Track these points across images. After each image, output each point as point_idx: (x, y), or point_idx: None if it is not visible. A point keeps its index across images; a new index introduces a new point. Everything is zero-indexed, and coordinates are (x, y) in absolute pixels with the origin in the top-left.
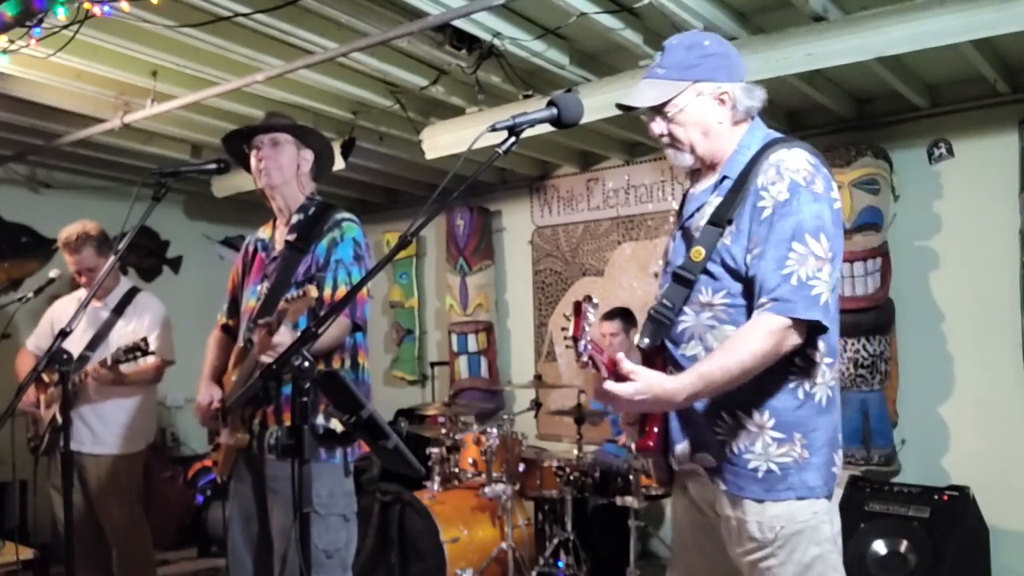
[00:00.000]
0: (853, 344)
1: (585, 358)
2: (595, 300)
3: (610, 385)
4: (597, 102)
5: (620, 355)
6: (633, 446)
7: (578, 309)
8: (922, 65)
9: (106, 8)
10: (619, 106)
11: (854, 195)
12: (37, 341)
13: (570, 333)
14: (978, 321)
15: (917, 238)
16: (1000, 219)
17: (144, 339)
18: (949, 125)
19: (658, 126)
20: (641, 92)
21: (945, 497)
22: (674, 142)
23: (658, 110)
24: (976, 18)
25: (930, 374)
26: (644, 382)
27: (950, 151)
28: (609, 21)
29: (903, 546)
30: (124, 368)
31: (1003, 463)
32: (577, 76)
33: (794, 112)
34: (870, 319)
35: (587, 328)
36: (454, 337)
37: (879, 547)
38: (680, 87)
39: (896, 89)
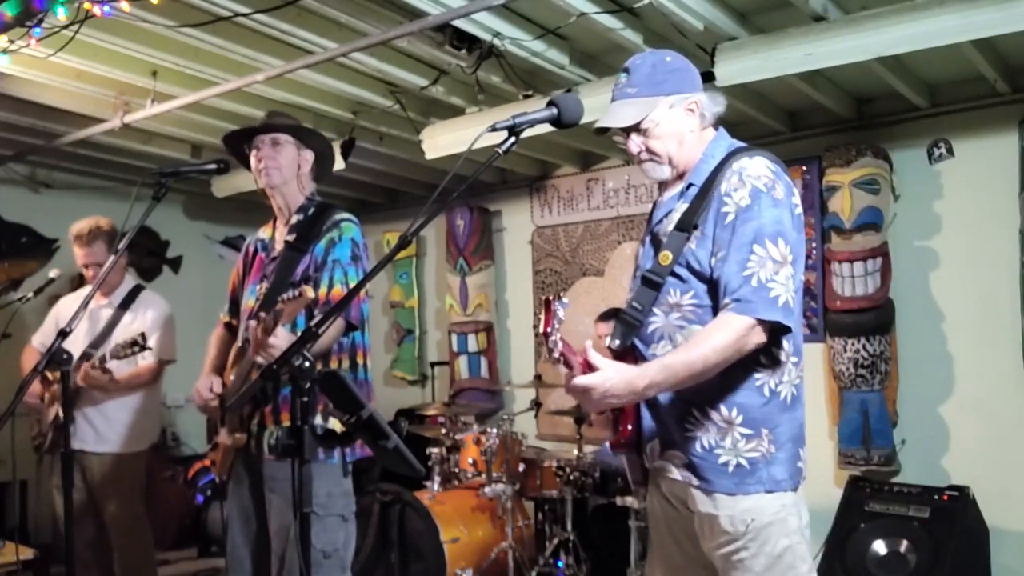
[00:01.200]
0: (853, 344)
1: (556, 354)
2: (565, 299)
3: (579, 379)
4: (597, 102)
5: (587, 344)
6: (608, 445)
7: (547, 306)
8: (922, 65)
9: (106, 8)
10: (597, 130)
11: (854, 195)
12: (43, 339)
13: (540, 329)
14: (978, 321)
15: (917, 238)
16: (1000, 219)
17: (142, 334)
18: (949, 125)
19: (635, 144)
20: (618, 113)
21: (945, 497)
22: (652, 156)
23: (635, 128)
24: (976, 18)
25: (930, 374)
26: (609, 371)
27: (950, 151)
28: (609, 21)
29: (903, 546)
30: (117, 372)
31: (1003, 463)
32: (577, 76)
33: (794, 112)
34: (870, 319)
35: (557, 325)
36: (454, 337)
37: (879, 547)
38: (654, 103)
39: (896, 89)
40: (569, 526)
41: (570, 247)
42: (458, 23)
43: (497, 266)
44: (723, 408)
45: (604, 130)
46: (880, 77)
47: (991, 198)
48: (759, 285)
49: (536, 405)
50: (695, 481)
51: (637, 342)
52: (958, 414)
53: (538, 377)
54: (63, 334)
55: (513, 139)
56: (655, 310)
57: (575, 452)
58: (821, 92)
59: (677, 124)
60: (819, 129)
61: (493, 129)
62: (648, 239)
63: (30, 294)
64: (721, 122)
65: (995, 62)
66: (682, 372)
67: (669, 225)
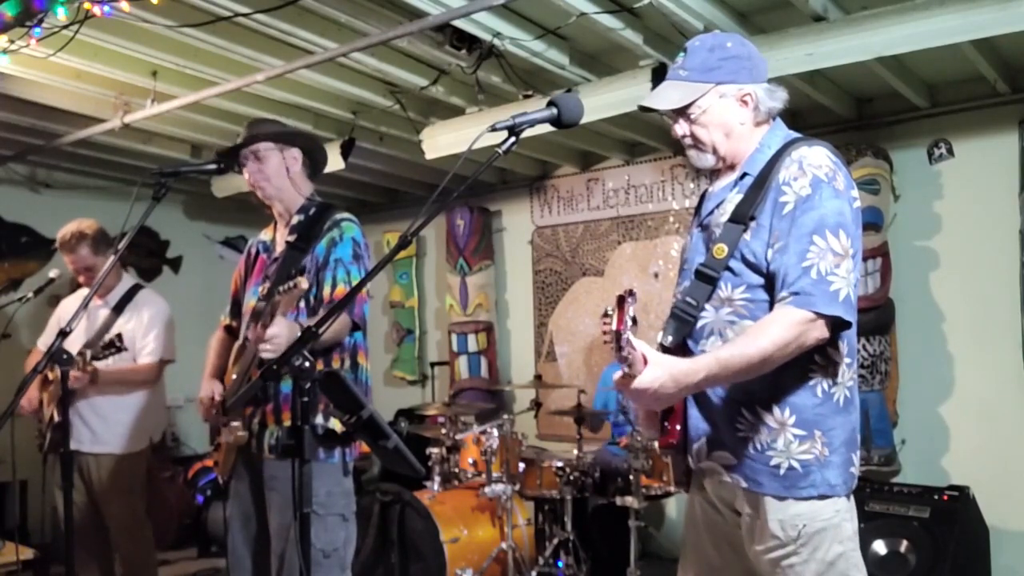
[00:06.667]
0: None
1: (625, 352)
2: (636, 292)
3: (637, 380)
4: (597, 102)
5: (638, 340)
6: (656, 444)
7: (621, 303)
8: (922, 65)
9: (106, 8)
10: (642, 108)
11: None
12: (46, 340)
13: (613, 327)
14: (978, 321)
15: (917, 238)
16: (1000, 219)
17: (118, 335)
18: (949, 125)
19: (681, 128)
20: (664, 94)
21: (945, 497)
22: (696, 143)
23: (681, 112)
24: (976, 18)
25: (930, 374)
26: (662, 366)
27: (950, 151)
28: (609, 21)
29: (903, 546)
30: (103, 370)
31: (1003, 463)
32: (577, 76)
33: (794, 112)
34: (870, 319)
35: (629, 322)
36: (454, 337)
37: (879, 547)
38: (703, 89)
39: (896, 89)
40: (569, 526)
41: (570, 247)
42: (458, 23)
43: (497, 266)
44: (775, 408)
45: (649, 109)
46: (880, 77)
47: (991, 198)
48: (819, 278)
49: (536, 405)
50: (743, 483)
51: (687, 338)
52: (958, 414)
53: (538, 377)
54: (63, 334)
55: (513, 139)
56: (706, 305)
57: (575, 452)
58: (821, 92)
59: (726, 115)
60: (819, 129)
61: (493, 129)
62: (697, 231)
63: (30, 294)
64: None
65: (995, 62)
66: (737, 366)
67: (722, 216)
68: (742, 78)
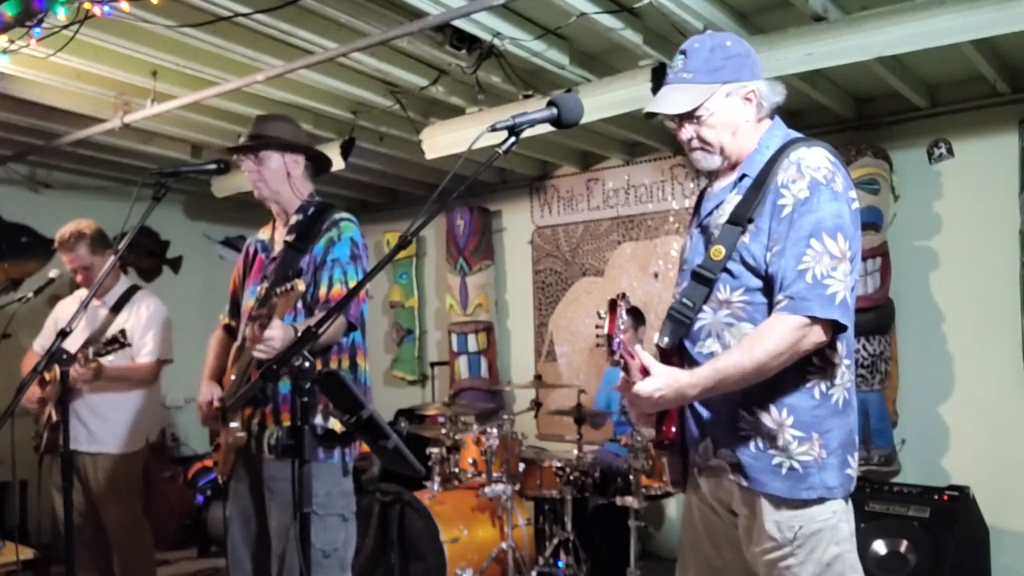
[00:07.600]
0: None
1: (617, 357)
2: (629, 298)
3: (637, 386)
4: (597, 102)
5: (637, 347)
6: (651, 445)
7: (613, 307)
8: (922, 65)
9: (106, 8)
10: (648, 115)
11: None
12: (43, 342)
13: (605, 331)
14: (978, 321)
15: (917, 238)
16: (1000, 219)
17: (122, 331)
18: (949, 125)
19: (687, 131)
20: (671, 98)
21: (945, 497)
22: (704, 145)
23: (687, 115)
24: (976, 18)
25: (930, 374)
26: (663, 377)
27: (950, 151)
28: (609, 21)
29: (903, 546)
30: (106, 366)
31: (1003, 463)
32: (577, 76)
33: (794, 112)
34: (870, 319)
35: (621, 326)
36: (454, 337)
37: (879, 547)
38: (711, 90)
39: (896, 89)
40: (569, 526)
41: (570, 247)
42: (458, 23)
43: (497, 266)
44: (773, 409)
45: (654, 115)
46: (880, 77)
47: (991, 198)
48: (814, 281)
49: (536, 405)
50: (743, 482)
51: (684, 339)
52: (958, 414)
53: (538, 377)
54: (63, 334)
55: (513, 139)
56: (704, 307)
57: (575, 452)
58: (821, 92)
59: (732, 113)
60: (819, 129)
61: (493, 129)
62: (696, 232)
63: (30, 294)
64: None
65: (995, 62)
66: (734, 377)
67: (721, 218)
68: (745, 75)
